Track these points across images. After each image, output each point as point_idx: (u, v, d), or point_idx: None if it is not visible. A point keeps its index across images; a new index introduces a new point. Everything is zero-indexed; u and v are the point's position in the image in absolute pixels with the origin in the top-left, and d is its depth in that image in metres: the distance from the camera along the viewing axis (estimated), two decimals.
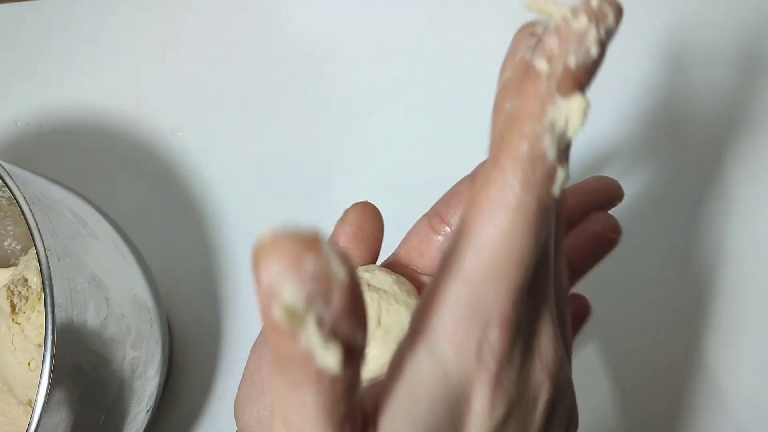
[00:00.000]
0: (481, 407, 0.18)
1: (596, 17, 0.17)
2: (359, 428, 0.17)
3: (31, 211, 0.28)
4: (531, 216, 0.17)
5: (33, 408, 0.26)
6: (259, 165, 0.42)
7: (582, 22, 0.17)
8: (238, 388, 0.26)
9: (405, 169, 0.40)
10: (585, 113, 0.17)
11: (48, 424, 0.27)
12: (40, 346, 0.33)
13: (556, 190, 0.18)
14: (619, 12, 0.17)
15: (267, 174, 0.41)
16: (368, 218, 0.26)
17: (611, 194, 0.29)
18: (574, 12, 0.17)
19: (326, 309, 0.15)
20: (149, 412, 0.34)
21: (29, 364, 0.33)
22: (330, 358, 0.15)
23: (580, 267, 0.28)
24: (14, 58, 0.46)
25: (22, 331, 0.34)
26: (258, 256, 0.15)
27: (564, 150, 0.17)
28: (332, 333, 0.15)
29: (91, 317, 0.29)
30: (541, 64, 0.17)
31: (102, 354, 0.29)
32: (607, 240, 0.28)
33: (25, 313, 0.34)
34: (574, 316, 0.28)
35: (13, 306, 0.34)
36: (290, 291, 0.15)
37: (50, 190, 0.32)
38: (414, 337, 0.18)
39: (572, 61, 0.17)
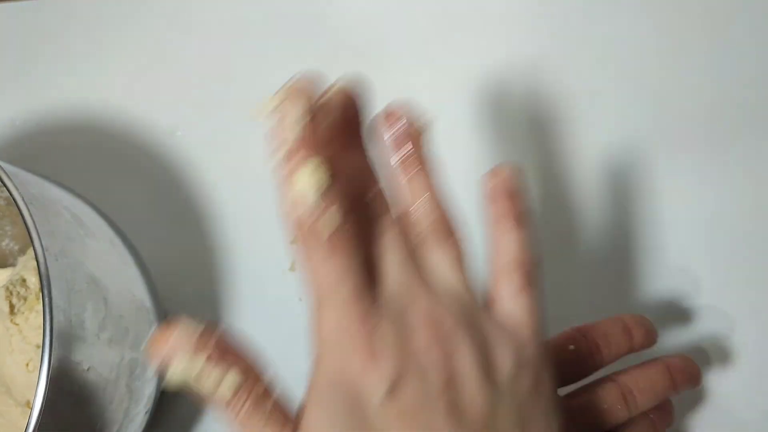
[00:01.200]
0: (367, 377, 0.23)
1: (281, 112, 0.24)
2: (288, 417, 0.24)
3: (29, 211, 0.28)
4: (325, 254, 0.24)
5: (31, 409, 0.26)
6: (258, 164, 0.41)
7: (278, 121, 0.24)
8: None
9: None
10: (317, 173, 0.23)
11: (46, 425, 0.27)
12: (38, 346, 0.33)
13: (327, 231, 0.24)
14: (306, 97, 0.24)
15: (266, 174, 0.41)
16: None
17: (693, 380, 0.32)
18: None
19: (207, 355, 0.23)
20: (148, 414, 0.34)
21: (27, 365, 0.33)
22: (225, 387, 0.23)
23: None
24: (12, 58, 0.45)
25: (20, 332, 0.34)
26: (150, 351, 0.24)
27: (321, 201, 0.24)
28: (219, 367, 0.23)
29: (90, 318, 0.29)
30: (276, 155, 0.25)
31: (100, 355, 0.29)
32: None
33: (23, 313, 0.34)
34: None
35: (11, 307, 0.34)
36: (176, 360, 0.23)
37: (48, 190, 0.32)
38: (312, 362, 0.24)
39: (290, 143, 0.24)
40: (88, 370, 0.29)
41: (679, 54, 0.40)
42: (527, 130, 0.40)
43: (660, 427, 0.31)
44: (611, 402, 0.29)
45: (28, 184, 0.30)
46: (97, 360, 0.29)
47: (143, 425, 0.33)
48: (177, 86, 0.44)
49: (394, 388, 0.23)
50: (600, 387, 0.30)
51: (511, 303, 0.26)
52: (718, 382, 0.35)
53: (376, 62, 0.42)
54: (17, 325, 0.34)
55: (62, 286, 0.27)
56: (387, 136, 0.27)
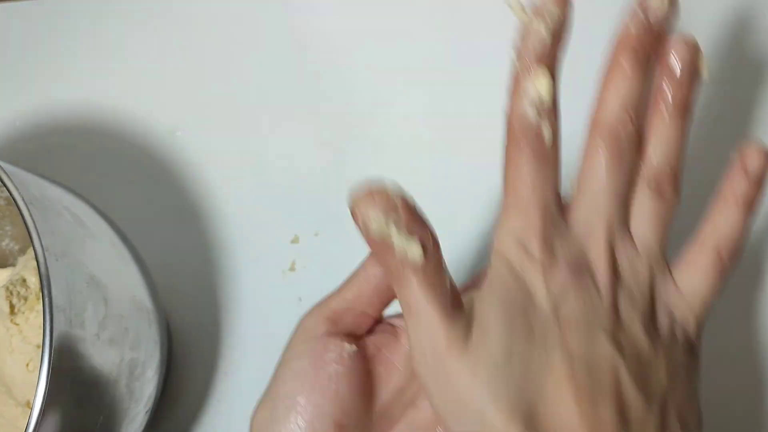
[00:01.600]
0: (540, 284, 0.24)
1: (542, 15, 0.25)
2: (458, 302, 0.24)
3: (29, 211, 0.28)
4: (533, 164, 0.25)
5: (31, 409, 0.26)
6: (258, 164, 0.42)
7: (534, 21, 0.25)
8: (259, 404, 0.26)
9: (405, 169, 0.40)
10: (548, 83, 0.25)
11: (46, 425, 0.27)
12: (38, 346, 0.33)
13: (547, 143, 0.25)
14: (562, 4, 0.25)
15: (266, 174, 0.41)
16: None
17: None
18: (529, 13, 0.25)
19: (400, 218, 0.23)
20: (148, 413, 0.34)
21: (28, 365, 0.33)
22: (413, 252, 0.23)
23: None
24: (12, 58, 0.45)
25: (21, 332, 0.34)
26: (353, 206, 0.24)
27: (544, 112, 0.25)
28: (408, 232, 0.23)
29: (90, 318, 0.29)
30: (513, 56, 0.26)
31: (100, 355, 0.29)
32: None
33: (23, 313, 0.34)
34: None
35: (12, 307, 0.34)
36: (374, 216, 0.23)
37: (48, 190, 0.32)
38: (490, 263, 0.26)
39: (535, 48, 0.25)
40: (88, 370, 0.29)
41: None
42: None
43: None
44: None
45: (28, 184, 0.30)
46: (97, 360, 0.29)
47: (143, 425, 0.33)
48: (177, 86, 0.44)
49: (562, 302, 0.24)
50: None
51: (699, 275, 0.27)
52: None
53: (378, 52, 0.43)
54: (17, 325, 0.34)
55: (62, 286, 0.27)
56: (676, 64, 0.26)
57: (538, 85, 0.25)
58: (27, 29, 0.46)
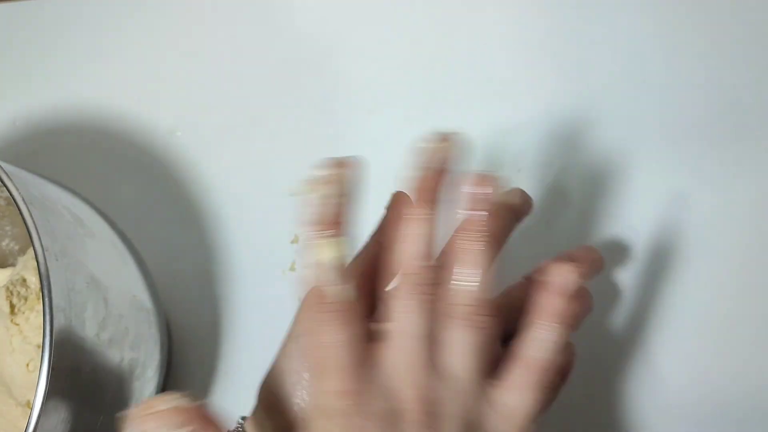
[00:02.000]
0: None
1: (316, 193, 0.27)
2: None
3: (29, 211, 0.28)
4: (327, 323, 0.26)
5: (31, 409, 0.26)
6: (258, 165, 0.42)
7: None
8: (267, 376, 0.28)
9: (405, 170, 0.40)
10: (331, 250, 0.26)
11: (46, 425, 0.27)
12: (39, 347, 0.33)
13: (334, 301, 0.26)
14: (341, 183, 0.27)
15: (266, 174, 0.41)
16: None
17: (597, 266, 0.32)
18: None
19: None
20: None
21: (28, 365, 0.33)
22: None
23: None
24: (12, 58, 0.45)
25: (21, 332, 0.34)
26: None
27: (327, 275, 0.26)
28: None
29: (90, 318, 0.29)
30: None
31: (100, 355, 0.29)
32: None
33: (24, 313, 0.34)
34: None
35: (12, 306, 0.34)
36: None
37: (48, 190, 0.32)
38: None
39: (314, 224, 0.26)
40: (88, 370, 0.29)
41: (681, 53, 0.40)
42: (530, 125, 0.40)
43: (580, 314, 0.30)
44: (525, 298, 0.29)
45: (28, 184, 0.30)
46: (97, 360, 0.29)
47: None
48: (177, 86, 0.44)
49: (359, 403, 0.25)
50: (513, 288, 0.31)
51: (515, 394, 0.27)
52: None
53: (376, 63, 0.43)
54: (18, 325, 0.34)
55: (62, 287, 0.27)
56: (471, 194, 0.27)
57: (322, 254, 0.26)
58: (27, 29, 0.46)
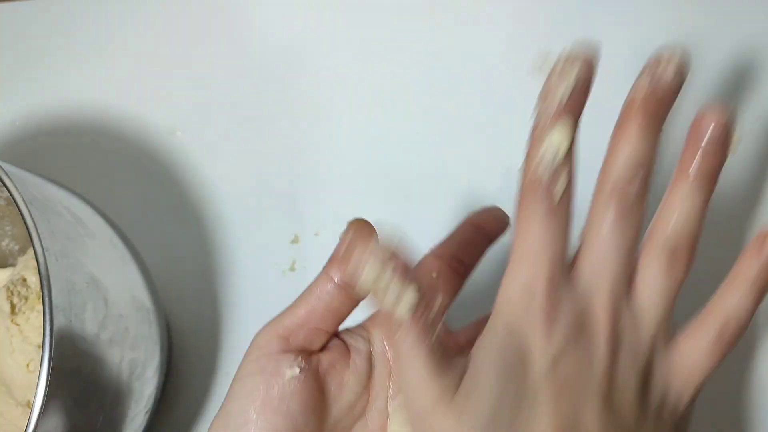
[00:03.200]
0: (538, 342, 0.24)
1: (565, 70, 0.25)
2: (450, 354, 0.25)
3: (29, 211, 0.28)
4: (542, 219, 0.25)
5: (31, 409, 0.26)
6: (257, 164, 0.42)
7: (554, 80, 0.25)
8: (214, 421, 0.26)
9: (405, 169, 0.40)
10: (568, 137, 0.25)
11: (46, 425, 0.27)
12: (39, 347, 0.33)
13: (555, 199, 0.25)
14: (587, 59, 0.25)
15: (266, 174, 0.41)
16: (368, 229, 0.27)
17: (499, 226, 0.32)
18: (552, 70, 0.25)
19: (394, 267, 0.24)
20: (148, 414, 0.34)
21: (28, 365, 0.33)
22: (404, 304, 0.24)
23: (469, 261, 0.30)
24: (12, 58, 0.45)
25: (21, 332, 0.34)
26: (349, 247, 0.25)
27: (559, 167, 0.25)
28: (401, 282, 0.24)
29: (90, 318, 0.29)
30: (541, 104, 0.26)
31: (100, 355, 0.29)
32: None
33: (24, 313, 0.34)
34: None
35: (12, 306, 0.34)
36: (370, 263, 0.24)
37: (48, 190, 0.32)
38: (492, 310, 0.25)
39: (557, 100, 0.25)
40: (88, 370, 0.29)
41: None
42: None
43: None
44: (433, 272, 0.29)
45: (28, 184, 0.30)
46: (97, 360, 0.29)
47: (143, 425, 0.33)
48: (176, 86, 0.44)
49: (558, 360, 0.24)
50: (419, 265, 0.29)
51: (700, 351, 0.26)
52: None
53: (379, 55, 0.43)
54: (18, 325, 0.34)
55: (62, 286, 0.27)
56: (708, 132, 0.26)
57: (554, 139, 0.25)
58: (27, 29, 0.46)
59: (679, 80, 0.26)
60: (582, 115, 0.26)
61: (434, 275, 0.28)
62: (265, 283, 0.39)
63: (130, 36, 0.45)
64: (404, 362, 0.24)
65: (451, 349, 0.25)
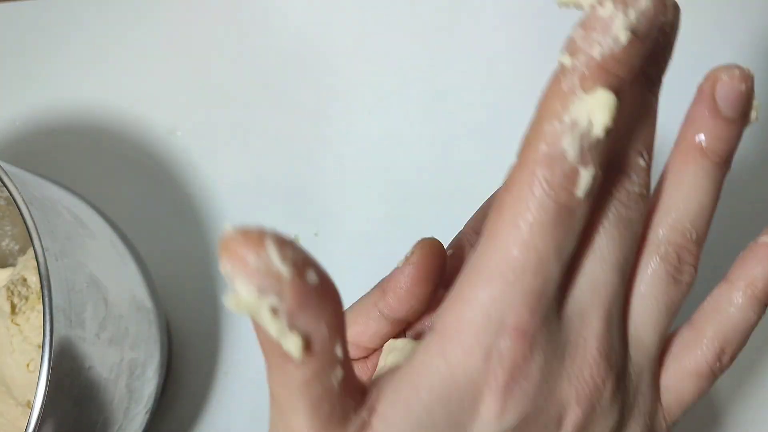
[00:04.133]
0: (488, 414, 0.18)
1: (623, 1, 0.16)
2: (350, 409, 0.18)
3: (29, 211, 0.28)
4: (549, 219, 0.17)
5: (31, 409, 0.26)
6: (257, 164, 0.42)
7: (608, 8, 0.16)
8: None
9: (405, 169, 0.40)
10: (610, 110, 0.16)
11: (46, 425, 0.27)
12: (39, 347, 0.33)
13: (578, 192, 0.17)
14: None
15: (266, 173, 0.41)
16: (432, 258, 0.24)
17: None
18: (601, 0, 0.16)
19: (281, 302, 0.16)
20: (148, 413, 0.34)
21: (28, 365, 0.33)
22: (291, 346, 0.16)
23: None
24: (12, 58, 0.45)
25: (21, 332, 0.34)
26: (219, 253, 0.16)
27: (591, 149, 0.17)
28: (290, 324, 0.16)
29: (90, 318, 0.29)
30: (564, 59, 0.17)
31: (100, 355, 0.29)
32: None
33: (24, 313, 0.34)
34: None
35: (13, 306, 0.34)
36: (240, 284, 0.16)
37: (48, 191, 0.32)
38: (431, 333, 0.18)
39: (596, 52, 0.16)
40: (88, 370, 0.29)
41: None
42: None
43: None
44: None
45: (28, 184, 0.30)
46: (97, 360, 0.29)
47: (143, 425, 0.33)
48: (176, 86, 0.44)
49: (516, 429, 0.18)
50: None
51: (690, 378, 0.21)
52: None
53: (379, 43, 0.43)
54: (18, 325, 0.34)
55: (62, 287, 0.27)
56: (723, 101, 0.19)
57: (590, 108, 0.17)
58: (27, 29, 0.46)
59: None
60: (654, 84, 0.19)
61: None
62: None
63: (130, 36, 0.45)
64: (283, 406, 0.18)
65: (345, 402, 0.18)
